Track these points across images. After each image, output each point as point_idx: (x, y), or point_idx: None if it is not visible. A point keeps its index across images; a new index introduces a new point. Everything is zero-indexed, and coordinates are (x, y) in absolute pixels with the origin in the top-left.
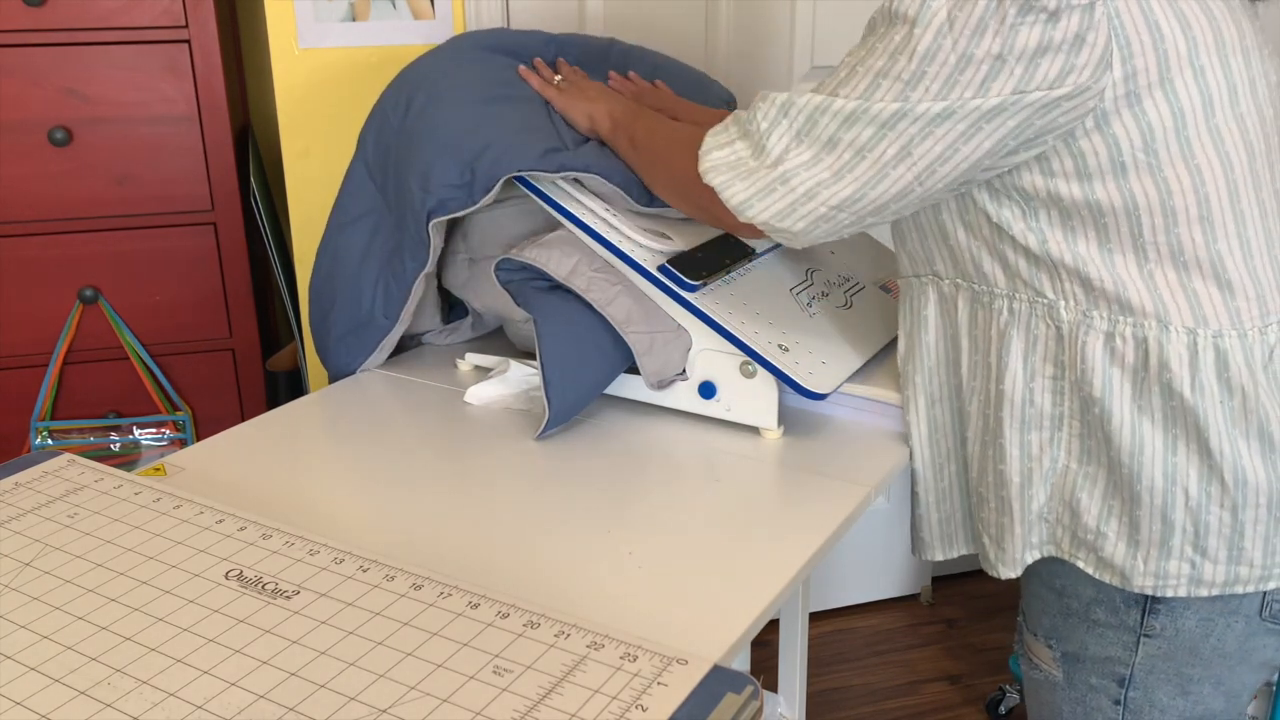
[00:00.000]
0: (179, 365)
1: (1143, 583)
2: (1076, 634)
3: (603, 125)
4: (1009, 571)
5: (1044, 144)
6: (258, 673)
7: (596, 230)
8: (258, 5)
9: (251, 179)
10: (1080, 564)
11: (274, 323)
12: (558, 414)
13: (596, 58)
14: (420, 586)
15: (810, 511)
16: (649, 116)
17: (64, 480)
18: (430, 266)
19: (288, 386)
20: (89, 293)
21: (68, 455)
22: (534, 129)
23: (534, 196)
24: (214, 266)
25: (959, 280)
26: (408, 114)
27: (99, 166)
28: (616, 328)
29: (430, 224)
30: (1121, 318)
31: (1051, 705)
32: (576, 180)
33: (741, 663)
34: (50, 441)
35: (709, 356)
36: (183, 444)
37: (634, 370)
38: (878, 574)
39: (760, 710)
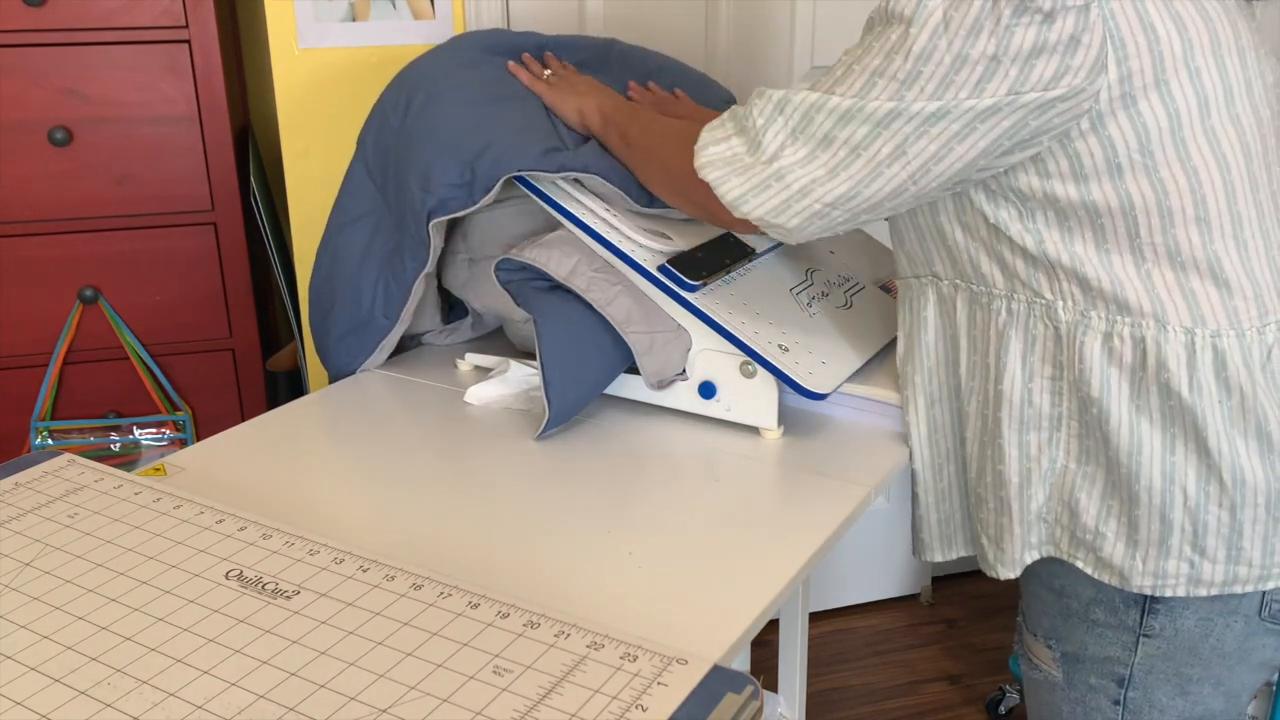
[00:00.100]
0: (179, 365)
1: (1141, 582)
2: (1076, 634)
3: (592, 120)
4: (1008, 572)
5: (1039, 145)
6: (258, 673)
7: (596, 230)
8: (258, 5)
9: (251, 179)
10: (1079, 564)
11: (274, 323)
12: (558, 414)
13: (596, 58)
14: (420, 586)
15: (810, 511)
16: (641, 112)
17: (64, 480)
18: (430, 266)
19: (288, 386)
20: (89, 293)
21: (68, 455)
22: (534, 128)
23: (534, 196)
24: (214, 266)
25: (957, 281)
26: (407, 114)
27: (99, 166)
28: (616, 328)
29: (430, 224)
30: (1119, 318)
31: (1051, 705)
32: (576, 180)
33: (741, 663)
34: (50, 441)
35: (709, 356)
36: (183, 444)
37: (634, 370)
38: (878, 574)
39: (760, 710)
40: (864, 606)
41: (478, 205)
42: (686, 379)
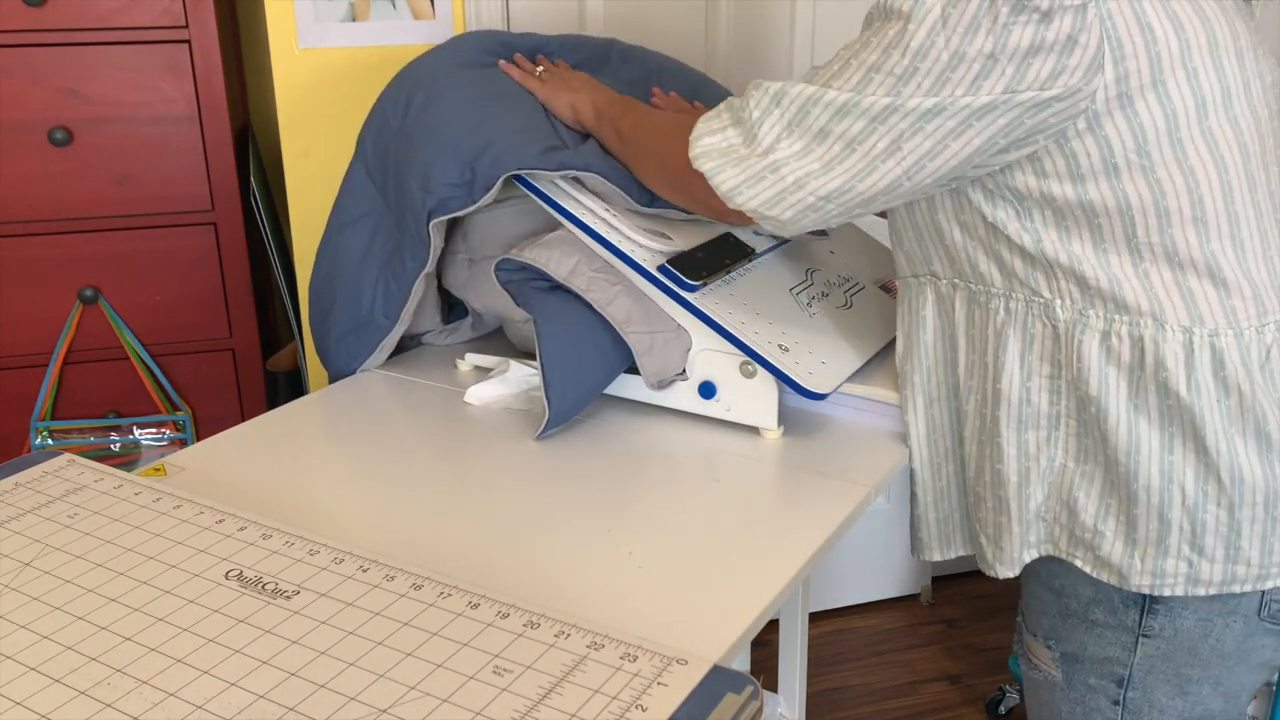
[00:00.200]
0: (179, 365)
1: (1140, 581)
2: (1075, 634)
3: (585, 114)
4: (1007, 571)
5: (1035, 143)
6: (258, 673)
7: (596, 230)
8: (258, 5)
9: (251, 179)
10: (1078, 563)
11: (274, 323)
12: (558, 414)
13: (596, 58)
14: (420, 586)
15: (810, 511)
16: (635, 106)
17: (64, 480)
18: (430, 266)
19: (288, 386)
20: (89, 293)
21: (68, 455)
22: (534, 128)
23: (534, 196)
24: (214, 266)
25: (956, 280)
26: (407, 114)
27: (99, 166)
28: (616, 328)
29: (430, 224)
30: (1118, 316)
31: (1051, 705)
32: (576, 180)
33: (741, 663)
34: (50, 441)
35: (709, 356)
36: (183, 444)
37: (634, 370)
38: (878, 574)
39: (760, 710)
40: (864, 606)
41: (477, 205)
42: (686, 379)
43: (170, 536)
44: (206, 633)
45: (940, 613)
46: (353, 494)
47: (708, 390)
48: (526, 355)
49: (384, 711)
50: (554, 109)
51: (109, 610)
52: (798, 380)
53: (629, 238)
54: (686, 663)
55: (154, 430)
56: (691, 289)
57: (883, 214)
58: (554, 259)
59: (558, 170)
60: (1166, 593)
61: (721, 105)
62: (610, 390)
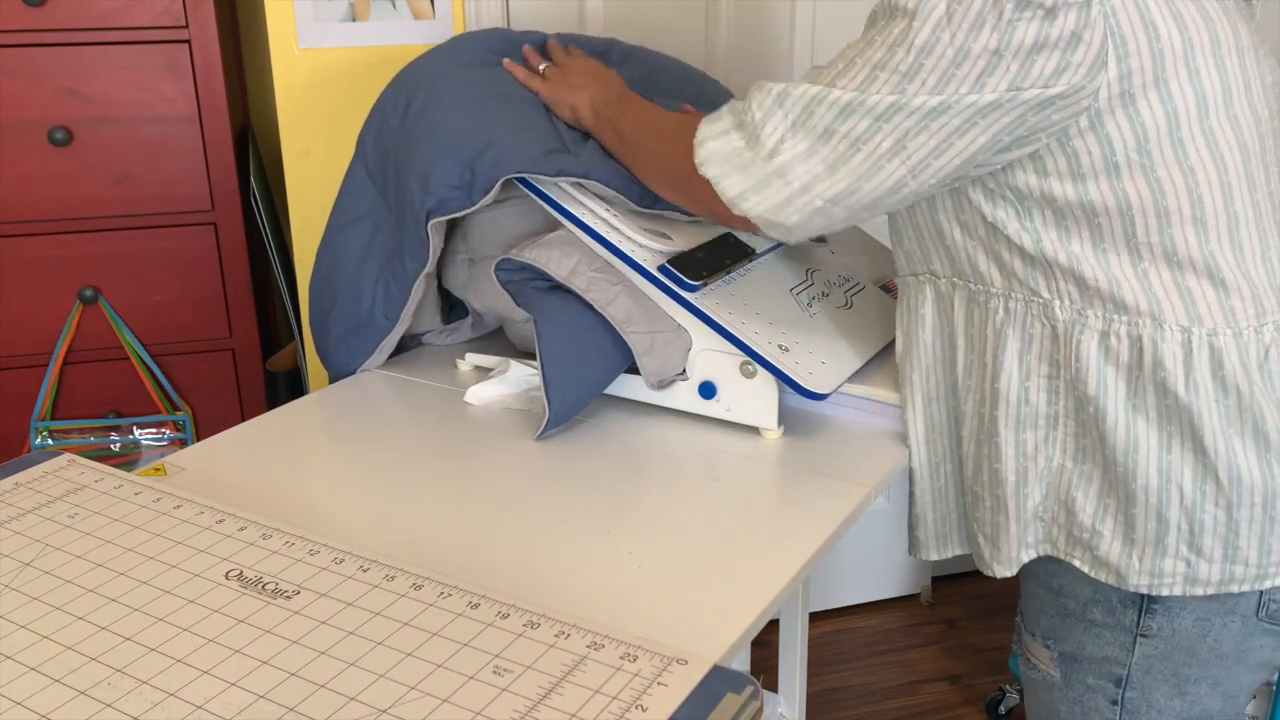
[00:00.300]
0: (179, 365)
1: (1138, 581)
2: (1074, 634)
3: (585, 115)
4: (1004, 570)
5: (1038, 141)
6: (258, 673)
7: (597, 230)
8: (258, 5)
9: (251, 179)
10: (1076, 563)
11: (274, 323)
12: (558, 414)
13: (596, 58)
14: (420, 586)
15: (810, 511)
16: (635, 106)
17: (64, 480)
18: (430, 267)
19: (288, 386)
20: (89, 293)
21: (68, 455)
22: (534, 129)
23: (534, 196)
24: (214, 266)
25: (955, 279)
26: (407, 114)
27: (99, 166)
28: (617, 328)
29: (429, 224)
30: (1116, 316)
31: (1049, 705)
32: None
33: (741, 663)
34: (50, 441)
35: (709, 356)
36: (183, 444)
37: (634, 370)
38: (878, 574)
39: (760, 710)
40: (864, 606)
41: (477, 206)
42: (686, 379)
43: (170, 536)
44: (207, 633)
45: (940, 613)
46: (353, 494)
47: (708, 390)
48: (526, 355)
49: (384, 711)
50: (556, 112)
51: (109, 610)
52: (798, 380)
53: (629, 238)
54: (686, 663)
55: (154, 430)
56: (692, 289)
57: None
58: (554, 259)
59: (556, 176)
60: (1164, 592)
61: (724, 108)
62: (610, 390)
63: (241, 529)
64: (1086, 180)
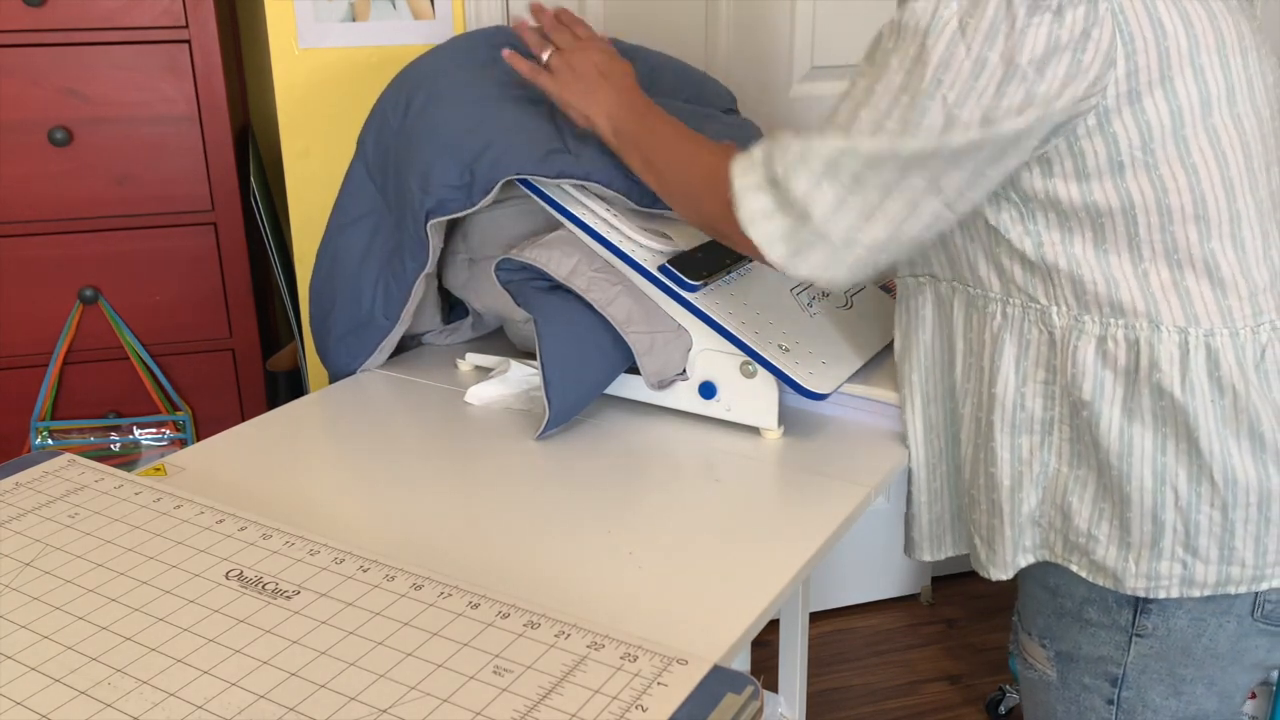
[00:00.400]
0: (179, 365)
1: (1135, 584)
2: (1070, 633)
3: (604, 132)
4: (999, 573)
5: (1048, 143)
6: (258, 673)
7: (597, 230)
8: (258, 5)
9: (251, 179)
10: (1074, 568)
11: (274, 323)
12: (558, 414)
13: None
14: (420, 586)
15: (810, 511)
16: (656, 123)
17: (64, 480)
18: (430, 267)
19: (288, 386)
20: (89, 293)
21: (68, 455)
22: (534, 129)
23: (534, 197)
24: (214, 266)
25: (955, 283)
26: (407, 114)
27: (99, 166)
28: (617, 328)
29: (429, 224)
30: (1113, 320)
31: (1046, 705)
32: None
33: (741, 663)
34: (50, 441)
35: (709, 356)
36: (183, 444)
37: (634, 370)
38: (878, 574)
39: (760, 710)
40: (864, 606)
41: (477, 207)
42: (687, 379)
43: (170, 536)
44: (207, 633)
45: (940, 613)
46: (353, 494)
47: (708, 390)
48: (526, 355)
49: (384, 711)
50: (566, 114)
51: (109, 610)
52: (798, 380)
53: (629, 238)
54: (686, 663)
55: (154, 430)
56: (692, 289)
57: None
58: (554, 259)
59: (557, 178)
60: (1162, 595)
61: (756, 156)
62: (610, 390)
63: (241, 529)
64: (1091, 180)
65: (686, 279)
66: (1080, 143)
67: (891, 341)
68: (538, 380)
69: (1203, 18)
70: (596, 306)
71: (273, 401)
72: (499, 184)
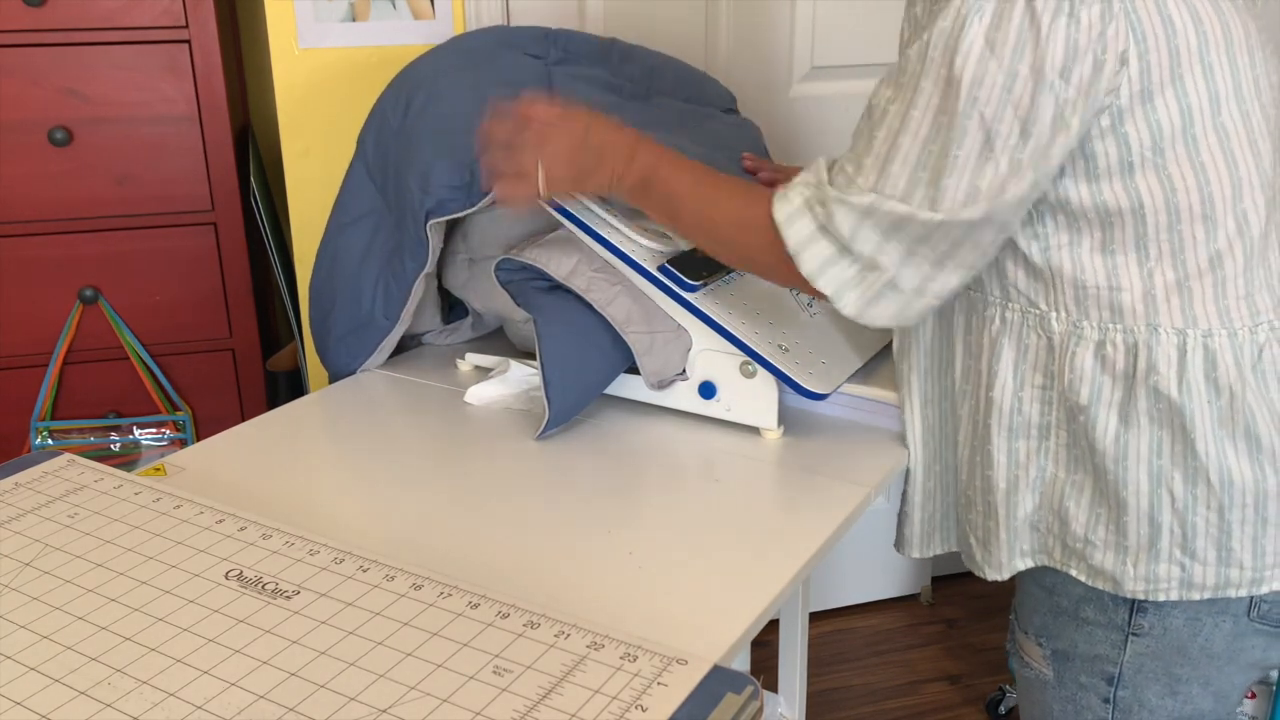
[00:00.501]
0: (179, 365)
1: (1134, 587)
2: (1066, 632)
3: (620, 194)
4: (994, 575)
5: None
6: (258, 673)
7: (596, 230)
8: (258, 5)
9: (251, 179)
10: (1073, 572)
11: (274, 323)
12: (558, 414)
13: (596, 57)
14: (420, 586)
15: (810, 511)
16: (662, 180)
17: (64, 480)
18: (430, 267)
19: (288, 386)
20: (89, 293)
21: (68, 455)
22: None
23: None
24: (214, 266)
25: None
26: (407, 114)
27: (99, 166)
28: (616, 328)
29: (429, 224)
30: (1112, 325)
31: (1042, 704)
32: None
33: (741, 663)
34: (50, 441)
35: (709, 356)
36: (183, 444)
37: (634, 370)
38: (878, 574)
39: (760, 710)
40: (864, 606)
41: (477, 207)
42: (686, 379)
43: (170, 536)
44: (206, 633)
45: (940, 613)
46: (353, 494)
47: (708, 390)
48: (526, 355)
49: (384, 711)
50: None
51: (109, 610)
52: (798, 380)
53: (629, 238)
54: (686, 663)
55: (154, 430)
56: (691, 289)
57: None
58: (554, 259)
59: None
60: (1161, 598)
61: (796, 202)
62: (610, 390)
63: (241, 529)
64: (1101, 180)
65: (686, 279)
66: (1093, 144)
67: (891, 342)
68: (538, 380)
69: (1211, 15)
70: (596, 307)
71: (273, 401)
72: None
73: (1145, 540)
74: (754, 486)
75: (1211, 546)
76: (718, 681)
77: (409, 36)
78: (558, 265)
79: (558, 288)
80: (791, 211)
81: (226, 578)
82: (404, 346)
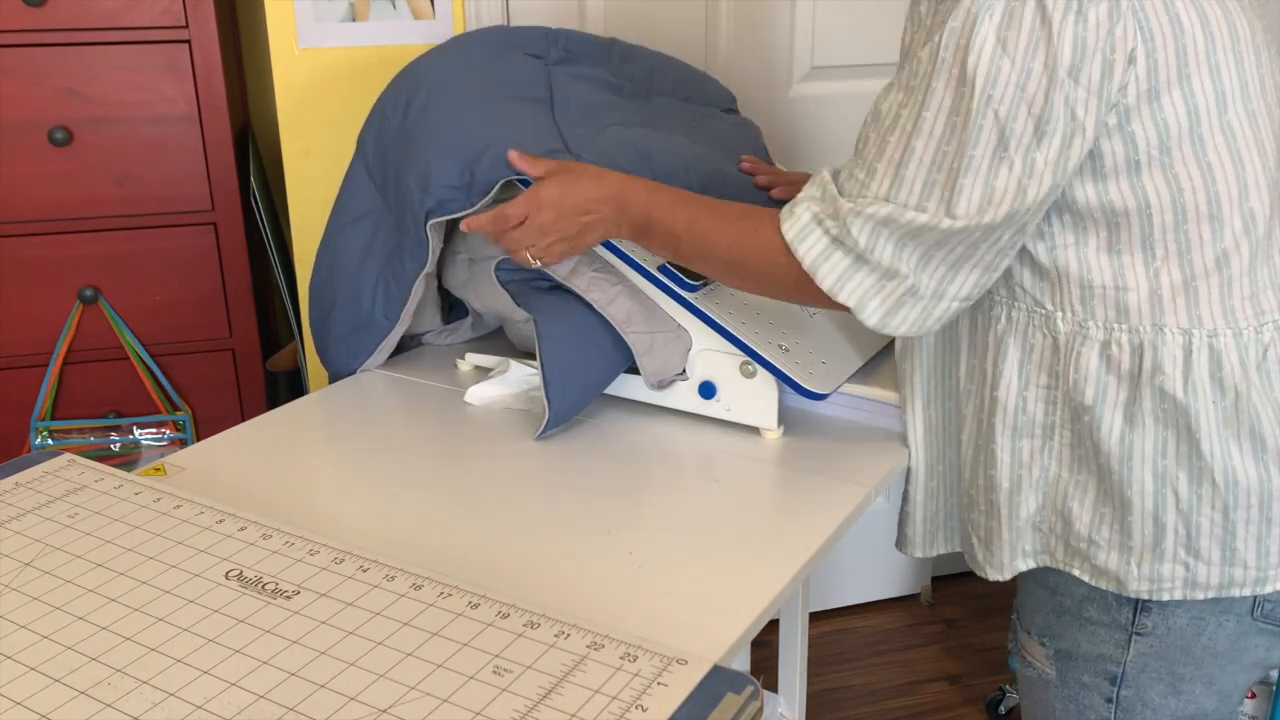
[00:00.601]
0: (179, 365)
1: (1138, 587)
2: (1069, 632)
3: (629, 234)
4: (996, 574)
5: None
6: (258, 673)
7: None
8: (258, 5)
9: (251, 179)
10: (1076, 572)
11: (274, 323)
12: (558, 414)
13: (597, 57)
14: (420, 586)
15: (810, 512)
16: (660, 221)
17: (64, 480)
18: (430, 267)
19: (288, 386)
20: (89, 293)
21: (68, 455)
22: (534, 129)
23: None
24: (214, 266)
25: None
26: (407, 114)
27: (99, 166)
28: (617, 328)
29: (429, 224)
30: (1118, 325)
31: (1045, 703)
32: None
33: (741, 663)
34: (50, 441)
35: (709, 356)
36: (183, 444)
37: (634, 370)
38: (878, 574)
39: (760, 710)
40: (864, 606)
41: (477, 207)
42: (686, 379)
43: (170, 536)
44: (206, 633)
45: (940, 613)
46: (353, 494)
47: (708, 390)
48: (526, 355)
49: (384, 711)
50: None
51: (109, 610)
52: (798, 380)
53: None
54: (686, 663)
55: (154, 430)
56: (692, 289)
57: None
58: None
59: None
60: (1165, 597)
61: (805, 218)
62: (610, 390)
63: (241, 529)
64: (1108, 180)
65: (686, 279)
66: (1100, 143)
67: (891, 341)
68: (538, 380)
69: (1218, 15)
70: (596, 306)
71: (273, 401)
72: (499, 184)
73: (1149, 540)
74: (754, 486)
75: (1216, 546)
76: (718, 681)
77: (409, 36)
78: (557, 265)
79: (558, 288)
80: (801, 228)
81: (226, 578)
82: (404, 346)
